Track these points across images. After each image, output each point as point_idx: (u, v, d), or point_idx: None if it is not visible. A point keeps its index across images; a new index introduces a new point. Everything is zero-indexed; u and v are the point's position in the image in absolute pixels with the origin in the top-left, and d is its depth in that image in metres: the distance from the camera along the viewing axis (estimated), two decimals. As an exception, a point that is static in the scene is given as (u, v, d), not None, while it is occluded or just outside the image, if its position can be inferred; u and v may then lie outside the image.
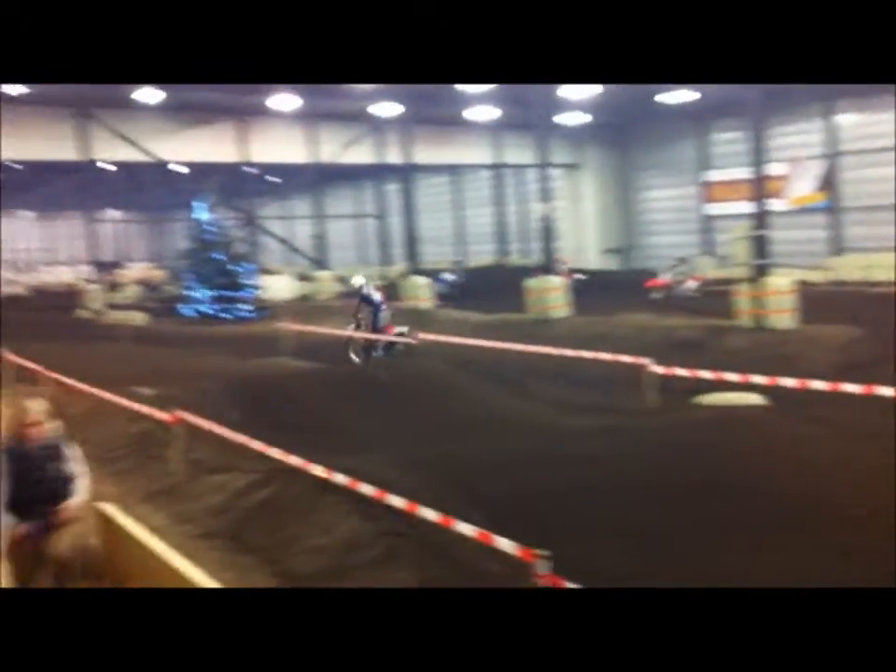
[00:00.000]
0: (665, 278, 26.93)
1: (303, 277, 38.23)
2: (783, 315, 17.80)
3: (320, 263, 34.70)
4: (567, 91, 29.46)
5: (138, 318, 29.18)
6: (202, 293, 29.94)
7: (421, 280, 27.71)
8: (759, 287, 18.35)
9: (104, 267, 36.12)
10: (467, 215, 47.29)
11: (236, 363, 17.61)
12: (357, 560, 6.92)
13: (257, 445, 9.03)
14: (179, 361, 18.16)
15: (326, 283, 33.69)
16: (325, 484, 7.98)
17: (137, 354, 19.84)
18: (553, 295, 23.10)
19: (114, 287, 37.70)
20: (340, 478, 7.68)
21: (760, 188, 19.69)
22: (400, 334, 17.43)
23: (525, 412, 12.33)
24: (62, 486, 6.26)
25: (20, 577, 6.00)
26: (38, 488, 6.10)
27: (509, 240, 40.53)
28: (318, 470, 7.98)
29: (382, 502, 7.16)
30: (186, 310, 30.32)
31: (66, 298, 34.24)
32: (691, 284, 26.63)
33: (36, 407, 6.32)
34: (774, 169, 22.02)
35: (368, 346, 17.73)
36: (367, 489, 7.32)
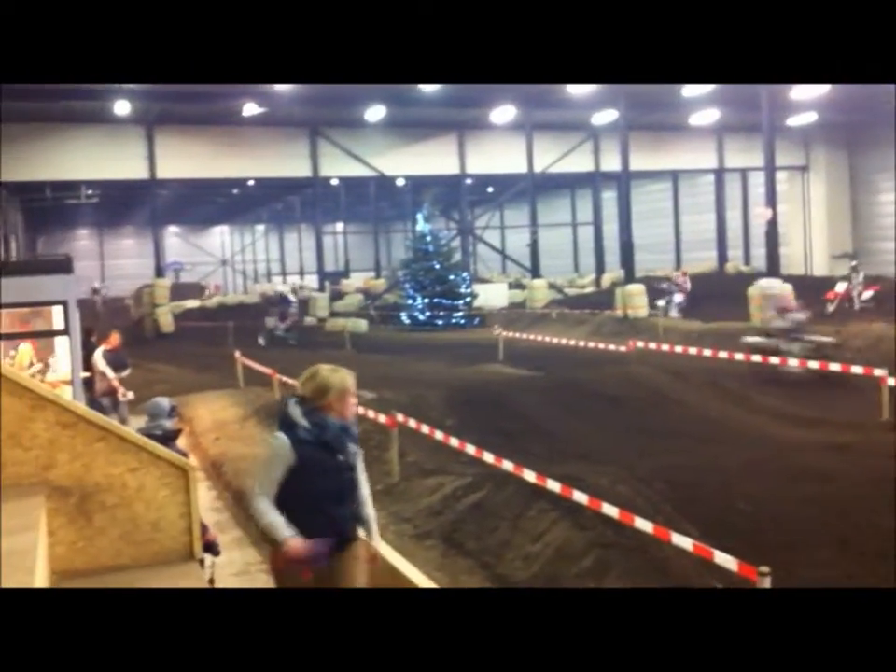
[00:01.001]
0: (841, 289, 24.70)
1: (517, 285, 38.46)
2: None
3: (534, 271, 34.79)
4: (796, 92, 28.03)
5: (361, 325, 30.34)
6: (418, 301, 30.76)
7: (636, 288, 27.20)
8: None
9: (329, 277, 37.62)
10: (685, 221, 46.02)
11: (450, 369, 17.94)
12: (568, 569, 6.83)
13: (469, 449, 9.13)
14: (396, 366, 18.71)
15: (539, 291, 33.72)
16: (534, 491, 7.93)
17: (357, 359, 20.61)
18: (777, 302, 22.02)
19: (338, 296, 39.20)
20: (552, 485, 7.60)
21: None
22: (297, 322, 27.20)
23: (746, 423, 11.83)
24: (358, 484, 4.55)
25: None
26: (336, 479, 4.39)
27: (729, 245, 39.15)
28: (530, 476, 7.94)
29: (594, 511, 7.03)
30: (402, 317, 31.28)
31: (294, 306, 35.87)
32: (866, 294, 24.52)
33: (352, 378, 4.52)
34: None
35: (271, 333, 26.11)
36: (580, 497, 7.20)
